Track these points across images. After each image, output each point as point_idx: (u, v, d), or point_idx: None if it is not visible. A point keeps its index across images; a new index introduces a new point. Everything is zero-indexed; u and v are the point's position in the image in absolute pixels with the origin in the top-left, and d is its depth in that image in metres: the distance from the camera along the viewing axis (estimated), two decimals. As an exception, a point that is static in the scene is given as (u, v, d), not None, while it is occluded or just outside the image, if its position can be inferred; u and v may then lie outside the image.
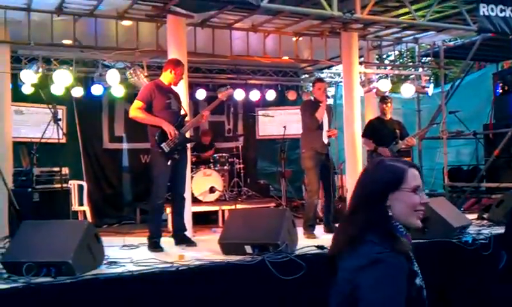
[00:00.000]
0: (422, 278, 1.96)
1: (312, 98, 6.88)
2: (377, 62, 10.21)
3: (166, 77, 5.93)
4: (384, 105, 7.55)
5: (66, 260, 4.02)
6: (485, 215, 6.96)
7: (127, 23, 7.67)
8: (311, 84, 12.61)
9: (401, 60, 15.25)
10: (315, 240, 6.04)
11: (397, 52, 11.47)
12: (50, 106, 6.36)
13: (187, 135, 6.02)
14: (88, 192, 8.84)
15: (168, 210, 6.89)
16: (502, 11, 6.83)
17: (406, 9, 7.22)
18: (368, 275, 1.82)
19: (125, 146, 10.30)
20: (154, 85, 5.89)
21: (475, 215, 7.19)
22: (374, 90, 9.60)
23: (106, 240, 5.03)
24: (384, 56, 11.33)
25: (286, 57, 8.97)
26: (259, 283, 4.49)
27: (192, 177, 8.31)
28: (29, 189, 6.79)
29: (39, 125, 8.07)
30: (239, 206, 8.24)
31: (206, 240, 6.25)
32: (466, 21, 7.07)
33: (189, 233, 6.32)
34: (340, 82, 11.21)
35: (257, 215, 5.62)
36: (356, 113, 8.20)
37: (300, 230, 5.96)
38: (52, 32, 7.20)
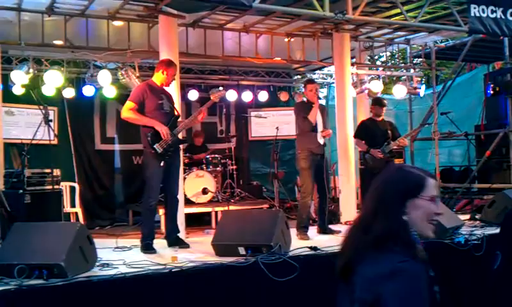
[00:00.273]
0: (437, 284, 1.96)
1: (305, 99, 6.88)
2: (369, 63, 10.24)
3: (157, 78, 5.91)
4: (380, 110, 7.56)
5: (58, 262, 4.00)
6: (477, 216, 7.00)
7: (118, 23, 7.64)
8: (303, 85, 12.64)
9: (393, 61, 15.30)
10: (308, 241, 6.05)
11: (388, 53, 11.53)
12: (41, 107, 6.31)
13: (180, 136, 5.99)
14: (80, 193, 8.79)
15: (161, 211, 6.87)
16: (492, 12, 6.85)
17: (398, 10, 7.24)
18: (392, 285, 1.81)
19: (117, 147, 10.25)
20: (146, 85, 5.87)
21: (467, 216, 7.22)
22: (366, 91, 9.61)
23: (98, 242, 5.00)
24: (376, 57, 11.38)
25: (278, 58, 8.97)
26: (252, 284, 4.49)
27: (184, 178, 8.29)
28: (20, 191, 6.73)
29: (30, 126, 8.02)
30: (231, 207, 8.22)
31: (199, 242, 6.24)
32: (457, 22, 7.09)
33: (181, 234, 6.31)
34: (332, 83, 11.24)
35: (250, 216, 5.61)
36: (348, 114, 8.21)
37: (293, 231, 5.96)
38: (43, 32, 7.16)
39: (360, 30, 8.82)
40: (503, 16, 6.90)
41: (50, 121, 6.30)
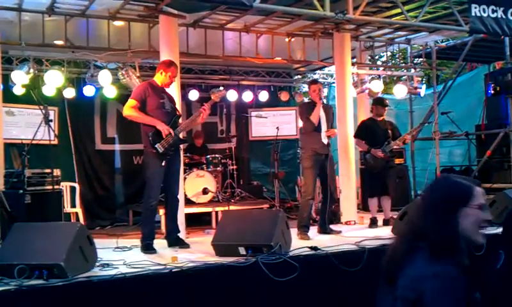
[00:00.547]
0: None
1: (306, 99, 6.89)
2: (370, 63, 10.23)
3: (158, 78, 5.93)
4: (382, 109, 7.55)
5: (58, 262, 4.00)
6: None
7: (118, 23, 7.64)
8: (304, 85, 12.64)
9: (393, 61, 15.29)
10: (309, 241, 6.05)
11: (389, 53, 11.51)
12: (42, 107, 6.31)
13: (181, 136, 5.99)
14: (80, 193, 8.79)
15: (161, 211, 6.87)
16: (493, 11, 6.84)
17: (398, 10, 7.23)
18: (433, 284, 1.94)
19: (117, 147, 10.25)
20: (148, 84, 5.88)
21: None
22: (367, 91, 9.60)
23: (99, 242, 5.00)
24: (377, 57, 11.36)
25: (278, 58, 8.96)
26: (253, 284, 4.49)
27: (185, 178, 8.29)
28: (21, 191, 6.73)
29: (30, 126, 8.01)
30: (232, 207, 8.22)
31: (199, 242, 6.24)
32: (458, 22, 7.09)
33: (182, 234, 6.31)
34: (333, 83, 11.22)
35: (250, 216, 5.61)
36: (349, 114, 8.20)
37: (294, 231, 5.96)
38: (44, 32, 7.15)
39: (360, 30, 8.82)
40: (504, 16, 6.89)
41: (51, 121, 6.29)
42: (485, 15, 6.78)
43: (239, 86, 11.09)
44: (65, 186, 8.23)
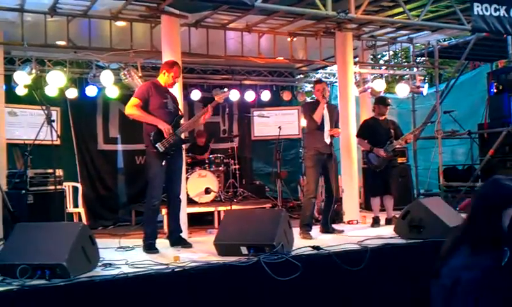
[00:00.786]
0: None
1: (309, 99, 6.91)
2: (372, 62, 10.21)
3: (161, 78, 5.94)
4: (385, 109, 7.55)
5: (61, 262, 4.01)
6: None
7: (120, 23, 7.64)
8: (306, 84, 12.63)
9: (396, 60, 15.26)
10: (311, 240, 6.04)
11: (391, 52, 11.47)
12: (44, 107, 6.32)
13: (182, 136, 5.99)
14: (83, 193, 8.81)
15: (164, 211, 6.87)
16: (496, 10, 6.83)
17: (401, 9, 7.22)
18: (469, 275, 2.08)
19: (119, 147, 10.26)
20: (152, 84, 5.90)
21: (470, 215, 7.19)
22: (369, 90, 9.60)
23: (101, 242, 5.02)
24: (379, 56, 11.33)
25: (281, 58, 8.95)
26: (255, 284, 4.49)
27: (187, 178, 8.29)
28: (23, 191, 6.75)
29: (33, 127, 8.02)
30: (234, 207, 8.21)
31: (201, 241, 6.24)
32: (460, 20, 7.07)
33: (184, 234, 6.31)
34: (335, 82, 11.21)
35: (253, 216, 5.61)
36: (351, 113, 8.19)
37: (296, 231, 5.95)
38: (46, 33, 7.16)
39: (362, 29, 8.81)
40: (506, 15, 6.88)
41: (53, 121, 6.30)
42: (487, 13, 6.77)
43: (241, 85, 11.10)
44: (68, 186, 8.24)
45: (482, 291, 2.05)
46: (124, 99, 8.06)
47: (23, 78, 7.84)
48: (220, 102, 6.28)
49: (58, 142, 7.17)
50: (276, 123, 9.82)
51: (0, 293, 3.71)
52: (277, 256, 4.61)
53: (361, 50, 9.72)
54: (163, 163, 5.66)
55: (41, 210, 6.72)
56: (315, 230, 6.69)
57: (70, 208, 8.27)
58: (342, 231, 6.72)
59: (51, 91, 8.70)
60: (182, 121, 6.04)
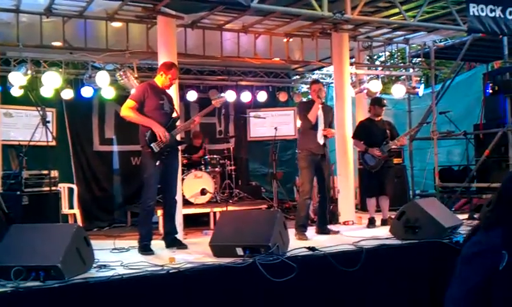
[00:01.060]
0: None
1: (304, 99, 6.91)
2: (368, 63, 10.22)
3: (158, 80, 5.94)
4: (380, 109, 7.55)
5: (55, 264, 4.00)
6: (476, 215, 6.99)
7: (116, 24, 7.63)
8: (302, 85, 12.63)
9: (392, 61, 15.28)
10: (307, 241, 6.04)
11: (387, 53, 11.50)
12: (40, 108, 6.30)
13: (178, 137, 5.99)
14: (78, 195, 8.77)
15: (159, 212, 6.86)
16: (491, 11, 6.84)
17: (397, 10, 7.23)
18: (469, 250, 2.15)
19: (115, 148, 10.24)
20: (148, 85, 5.89)
21: (466, 215, 7.22)
22: (365, 91, 9.60)
23: (96, 243, 5.00)
24: (375, 57, 11.35)
25: (277, 58, 8.95)
26: (250, 285, 4.48)
27: (183, 179, 8.27)
28: (18, 192, 6.72)
29: (28, 128, 8.00)
30: (230, 208, 8.20)
31: (197, 243, 6.23)
32: (456, 21, 7.08)
33: (180, 235, 6.30)
34: (331, 83, 11.20)
35: (248, 217, 5.61)
36: (347, 114, 8.20)
37: (292, 232, 5.95)
38: (41, 33, 7.14)
39: (358, 30, 8.82)
40: (502, 15, 6.89)
41: (48, 122, 6.29)
42: (483, 14, 6.78)
43: (237, 86, 11.09)
44: (63, 187, 8.22)
45: (475, 268, 2.12)
46: (120, 100, 8.05)
47: (18, 79, 7.81)
48: (217, 106, 6.29)
49: (53, 143, 7.13)
50: (272, 124, 9.82)
51: (-6, 295, 3.70)
52: (272, 257, 4.61)
53: (358, 51, 9.73)
54: (157, 163, 5.65)
55: (36, 212, 6.70)
56: (311, 231, 6.70)
57: (65, 210, 8.25)
58: (337, 232, 6.72)
59: (47, 92, 8.68)
60: (178, 123, 6.03)
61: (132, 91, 6.86)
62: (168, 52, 6.94)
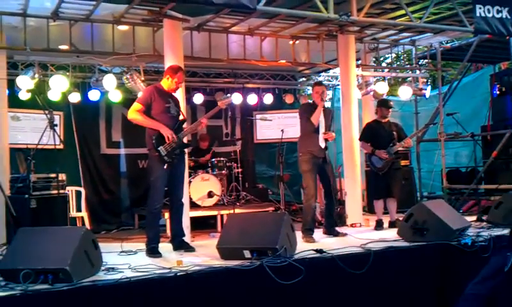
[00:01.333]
0: None
1: (310, 101, 6.88)
2: (375, 64, 10.20)
3: (165, 83, 5.95)
4: (387, 111, 7.53)
5: (64, 267, 4.00)
6: (484, 217, 6.96)
7: (123, 28, 7.66)
8: (308, 87, 12.62)
9: (398, 62, 15.24)
10: (314, 244, 6.02)
11: (394, 55, 11.46)
12: (47, 112, 6.32)
13: (185, 140, 6.00)
14: (86, 198, 8.80)
15: (166, 215, 6.86)
16: (498, 12, 6.82)
17: (403, 11, 7.22)
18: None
19: (122, 151, 10.27)
20: (154, 88, 5.91)
21: (474, 217, 7.19)
22: (372, 93, 9.58)
23: (104, 246, 5.01)
24: (382, 59, 11.33)
25: (283, 61, 8.96)
26: (258, 287, 4.47)
27: (190, 182, 8.29)
28: (26, 196, 6.75)
29: (36, 131, 8.03)
30: (237, 210, 8.20)
31: (204, 245, 6.23)
32: (462, 22, 7.07)
33: (187, 238, 6.30)
34: (338, 85, 11.20)
35: (256, 219, 5.60)
36: (354, 116, 8.19)
37: (299, 234, 5.94)
38: (48, 37, 7.19)
39: (364, 31, 8.81)
40: (509, 16, 6.87)
41: (56, 125, 6.30)
42: (490, 15, 6.76)
43: (243, 88, 11.09)
44: (71, 190, 8.24)
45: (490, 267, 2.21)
46: (127, 103, 8.08)
47: (26, 83, 7.84)
48: (223, 107, 6.29)
49: (61, 146, 7.17)
50: (279, 126, 9.78)
51: (3, 298, 3.71)
52: (280, 259, 4.60)
53: (364, 53, 9.73)
54: (164, 166, 5.66)
55: (44, 215, 6.71)
56: (318, 233, 6.69)
57: (73, 213, 8.27)
58: (345, 234, 6.70)
59: (54, 95, 8.72)
60: (184, 125, 6.04)
61: (139, 94, 6.88)
62: (174, 55, 6.96)
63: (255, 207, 9.08)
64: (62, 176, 7.14)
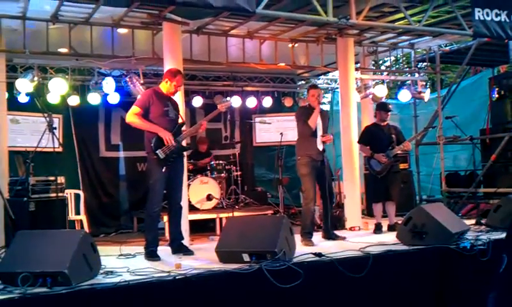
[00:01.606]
0: None
1: (307, 104, 6.87)
2: (373, 68, 10.22)
3: (163, 86, 5.95)
4: (385, 115, 7.53)
5: (62, 270, 4.00)
6: (483, 221, 6.96)
7: (122, 31, 7.66)
8: (307, 91, 12.63)
9: (397, 65, 15.27)
10: (313, 247, 6.03)
11: (393, 58, 11.48)
12: (46, 115, 6.32)
13: (184, 143, 6.00)
14: (85, 201, 8.81)
15: (165, 218, 6.86)
16: (497, 15, 6.84)
17: (402, 15, 7.23)
18: None
19: (121, 154, 10.28)
20: (153, 92, 5.90)
21: (473, 221, 7.19)
22: (371, 96, 9.59)
23: (103, 249, 5.00)
24: (380, 62, 11.34)
25: (282, 64, 8.96)
26: (257, 291, 4.47)
27: (189, 185, 8.29)
28: (25, 199, 6.74)
29: (35, 134, 8.03)
30: (236, 213, 8.20)
31: (203, 249, 6.22)
32: (461, 26, 7.08)
33: (186, 241, 6.30)
34: (337, 88, 11.21)
35: (254, 222, 5.59)
36: (353, 119, 8.19)
37: (298, 237, 5.94)
38: (48, 40, 7.19)
39: (363, 35, 8.82)
40: (507, 20, 6.89)
41: (55, 128, 6.30)
42: (488, 18, 6.78)
43: (242, 92, 11.11)
44: (69, 193, 8.25)
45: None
46: (126, 106, 8.06)
47: (25, 86, 7.84)
48: (222, 110, 6.29)
49: (60, 149, 7.15)
50: (278, 129, 9.81)
51: (1, 301, 3.70)
52: (279, 263, 4.59)
53: (363, 56, 9.73)
54: (163, 169, 5.66)
55: (43, 218, 6.71)
56: (317, 236, 6.68)
57: (72, 216, 8.28)
58: (344, 238, 6.69)
59: (53, 98, 8.73)
60: (183, 128, 6.04)
61: (138, 98, 6.89)
62: (174, 58, 6.96)
63: (254, 210, 9.08)
64: (61, 179, 7.15)
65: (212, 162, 9.59)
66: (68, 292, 3.93)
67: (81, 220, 8.37)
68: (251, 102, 11.15)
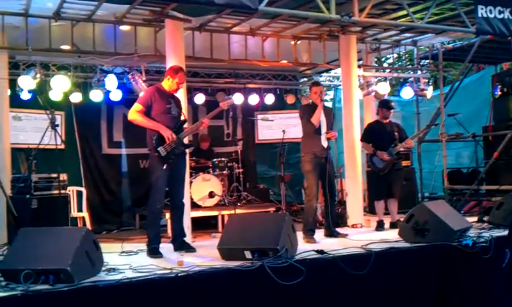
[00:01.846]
0: None
1: (310, 102, 6.87)
2: (376, 65, 10.20)
3: (165, 83, 5.95)
4: (388, 112, 7.52)
5: (65, 267, 4.00)
6: (485, 218, 6.95)
7: (125, 28, 7.66)
8: (309, 88, 12.63)
9: (400, 63, 15.24)
10: (315, 244, 6.02)
11: (395, 55, 11.46)
12: (48, 112, 6.33)
13: (186, 140, 6.00)
14: (87, 198, 8.81)
15: (167, 215, 6.87)
16: (500, 12, 6.82)
17: (404, 12, 7.21)
18: None
19: (123, 151, 10.27)
20: (155, 89, 5.91)
21: (475, 218, 7.18)
22: (373, 93, 9.57)
23: (105, 247, 5.01)
24: (383, 59, 11.32)
25: (284, 61, 8.96)
26: (259, 288, 4.47)
27: (191, 182, 8.29)
28: (27, 196, 6.75)
29: (37, 131, 8.04)
30: (238, 211, 8.20)
31: (205, 246, 6.23)
32: (464, 23, 7.06)
33: (188, 238, 6.30)
34: (339, 85, 11.21)
35: (257, 219, 5.60)
36: (355, 116, 8.19)
37: (300, 235, 5.94)
38: (50, 37, 7.19)
39: (366, 32, 8.80)
40: (510, 17, 6.87)
41: (57, 125, 6.30)
42: (491, 15, 6.76)
43: (245, 89, 11.09)
44: (72, 190, 8.26)
45: None
46: (128, 103, 8.07)
47: (27, 83, 7.85)
48: (224, 108, 6.29)
49: (62, 146, 7.17)
50: (280, 127, 9.77)
51: (4, 298, 3.71)
52: (281, 260, 4.59)
53: (365, 53, 9.72)
54: (165, 166, 5.66)
55: (45, 215, 6.72)
56: (319, 234, 6.68)
57: (74, 213, 8.28)
58: (346, 235, 6.69)
59: (55, 95, 8.73)
60: (185, 126, 6.04)
61: (140, 95, 6.89)
62: (176, 55, 6.96)
63: (256, 207, 9.08)
64: (63, 176, 7.16)
65: (214, 159, 9.58)
66: (71, 289, 3.93)
67: (83, 218, 8.38)
68: (253, 99, 11.13)
